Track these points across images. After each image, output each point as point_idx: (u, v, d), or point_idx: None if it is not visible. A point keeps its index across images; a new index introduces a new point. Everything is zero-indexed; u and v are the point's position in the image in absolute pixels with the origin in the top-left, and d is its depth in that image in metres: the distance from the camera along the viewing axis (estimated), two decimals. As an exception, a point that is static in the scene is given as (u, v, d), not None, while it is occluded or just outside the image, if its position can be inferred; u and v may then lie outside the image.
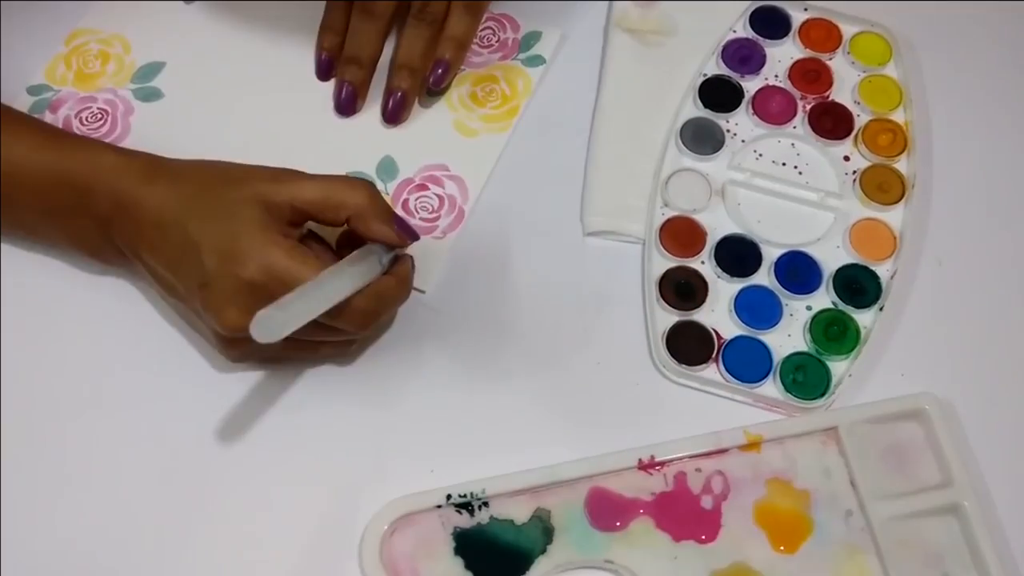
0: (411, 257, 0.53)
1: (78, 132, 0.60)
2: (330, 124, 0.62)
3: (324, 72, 0.63)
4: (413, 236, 0.52)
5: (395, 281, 0.51)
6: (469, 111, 0.63)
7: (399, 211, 0.59)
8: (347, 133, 0.62)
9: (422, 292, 0.57)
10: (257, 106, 0.62)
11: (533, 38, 0.65)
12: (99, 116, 0.61)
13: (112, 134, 0.61)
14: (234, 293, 0.47)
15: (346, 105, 0.62)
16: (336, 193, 0.50)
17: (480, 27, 0.64)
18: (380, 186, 0.60)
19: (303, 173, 0.51)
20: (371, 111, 0.62)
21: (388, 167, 0.61)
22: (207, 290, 0.48)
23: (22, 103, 0.61)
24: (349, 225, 0.51)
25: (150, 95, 0.63)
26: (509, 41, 0.65)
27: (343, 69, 0.62)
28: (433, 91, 0.62)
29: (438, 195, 0.60)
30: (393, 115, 0.62)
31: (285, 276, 0.47)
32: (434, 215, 0.60)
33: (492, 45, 0.65)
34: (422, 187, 0.60)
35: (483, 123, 0.63)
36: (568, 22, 0.66)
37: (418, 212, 0.60)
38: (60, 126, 0.60)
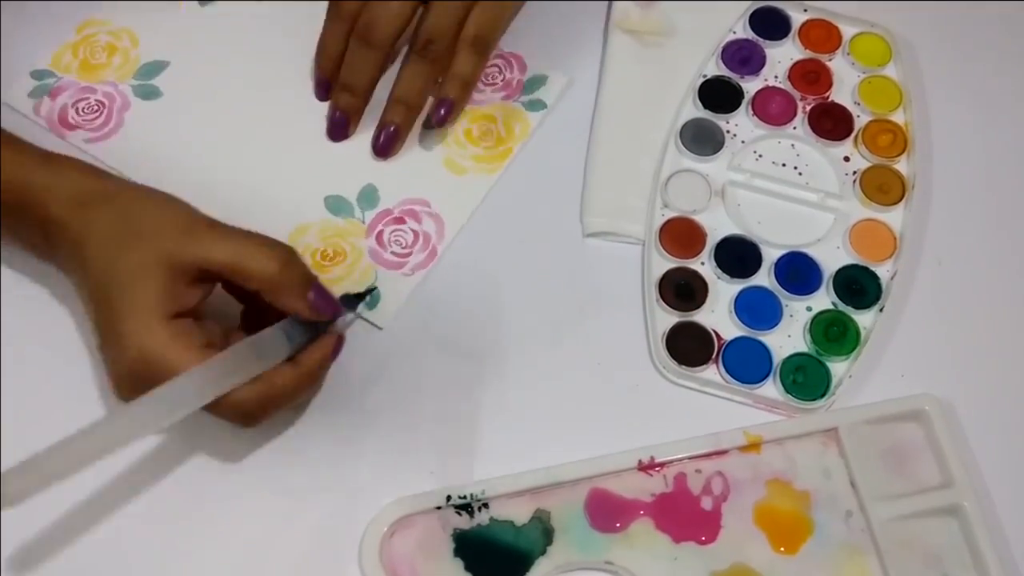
0: (334, 339, 0.50)
1: (72, 122, 0.61)
2: (321, 144, 0.61)
3: (323, 92, 0.62)
4: (333, 311, 0.50)
5: (293, 373, 0.48)
6: (462, 148, 0.62)
7: (372, 242, 0.58)
8: (336, 155, 0.61)
9: (379, 328, 0.56)
10: (251, 118, 0.62)
11: (538, 82, 0.64)
12: (96, 108, 0.61)
13: (105, 127, 0.61)
14: (120, 374, 0.46)
15: (337, 131, 0.61)
16: (245, 260, 0.47)
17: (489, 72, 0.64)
18: (358, 214, 0.59)
19: (220, 230, 0.48)
20: (365, 136, 0.61)
21: (369, 195, 0.60)
22: (103, 355, 0.47)
23: (23, 86, 0.61)
24: (260, 296, 0.48)
25: (149, 93, 0.63)
26: (514, 82, 0.64)
27: (336, 96, 0.61)
28: (435, 128, 0.61)
29: (414, 231, 0.59)
30: (384, 149, 0.60)
31: (161, 366, 0.45)
32: (406, 251, 0.58)
33: (496, 84, 0.64)
34: (400, 220, 0.59)
35: (473, 162, 0.61)
36: (568, 22, 0.66)
37: (391, 245, 0.58)
38: (57, 114, 0.61)
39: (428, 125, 0.61)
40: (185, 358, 0.45)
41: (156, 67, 0.63)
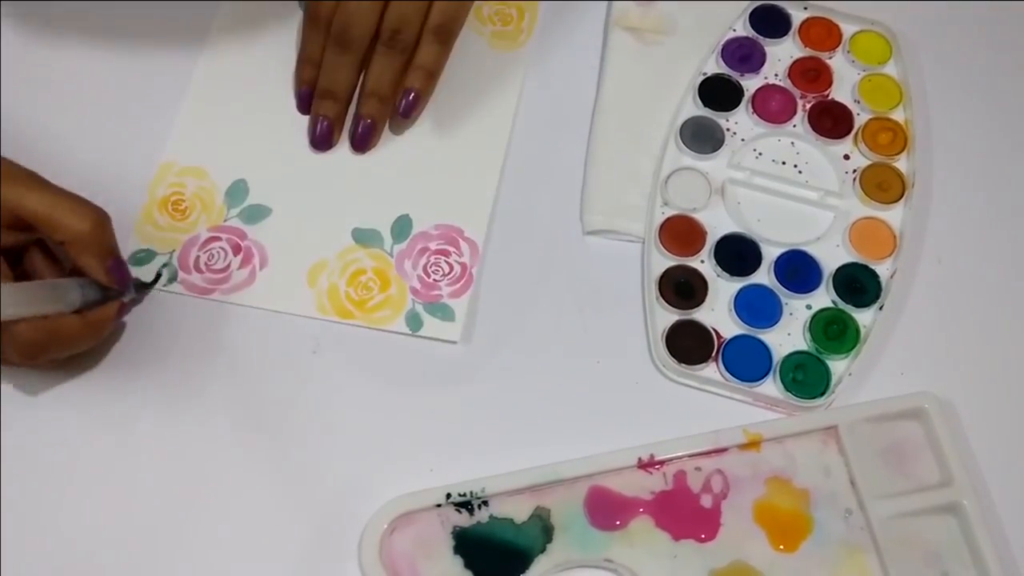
0: (124, 304, 0.52)
1: None
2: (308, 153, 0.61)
3: (305, 104, 0.61)
4: (122, 282, 0.51)
5: (79, 322, 0.49)
6: (351, 284, 0.57)
7: (195, 251, 0.57)
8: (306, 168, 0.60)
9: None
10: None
11: (443, 309, 0.56)
12: None
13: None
14: None
15: (321, 140, 0.60)
16: (58, 213, 0.48)
17: (443, 252, 0.58)
18: (230, 211, 0.59)
19: (39, 182, 0.49)
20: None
21: (256, 211, 0.59)
22: None
23: None
24: (64, 249, 0.49)
25: None
26: (460, 274, 0.58)
27: (318, 104, 0.60)
28: (401, 119, 0.60)
29: (233, 265, 0.57)
30: (361, 142, 0.60)
31: None
32: (215, 269, 0.57)
33: (438, 274, 0.57)
34: (237, 249, 0.58)
35: (351, 303, 0.57)
36: (568, 21, 0.66)
37: (209, 262, 0.57)
38: None
39: (399, 117, 0.60)
40: None
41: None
